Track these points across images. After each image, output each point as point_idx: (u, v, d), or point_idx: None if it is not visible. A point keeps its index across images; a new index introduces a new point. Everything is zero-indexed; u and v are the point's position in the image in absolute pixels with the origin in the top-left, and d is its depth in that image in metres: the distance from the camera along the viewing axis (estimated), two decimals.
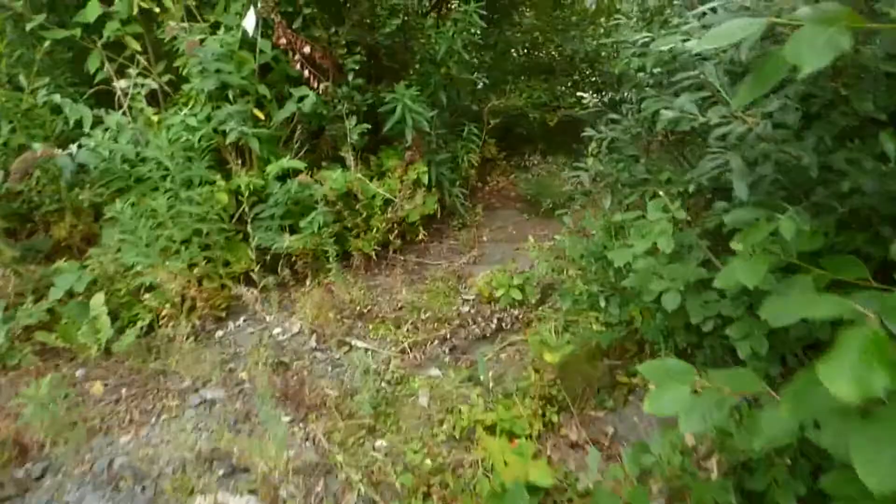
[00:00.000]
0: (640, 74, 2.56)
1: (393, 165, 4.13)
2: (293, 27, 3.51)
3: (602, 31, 7.37)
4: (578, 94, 2.83)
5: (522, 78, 6.36)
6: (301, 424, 2.43)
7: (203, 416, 2.48)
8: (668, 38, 1.69)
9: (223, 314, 3.26)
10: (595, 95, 7.31)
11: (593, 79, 7.00)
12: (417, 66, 4.49)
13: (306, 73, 3.55)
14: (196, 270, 3.10)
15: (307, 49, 3.49)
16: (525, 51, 6.61)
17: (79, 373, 2.75)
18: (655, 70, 2.44)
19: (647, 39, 2.20)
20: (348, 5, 3.80)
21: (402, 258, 4.15)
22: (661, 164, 2.73)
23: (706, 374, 1.30)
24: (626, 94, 2.71)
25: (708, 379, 1.23)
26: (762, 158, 1.34)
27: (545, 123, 6.07)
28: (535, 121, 5.97)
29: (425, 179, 4.13)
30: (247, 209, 3.34)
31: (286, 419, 2.44)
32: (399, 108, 3.91)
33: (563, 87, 6.40)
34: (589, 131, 2.90)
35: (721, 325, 1.88)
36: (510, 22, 5.99)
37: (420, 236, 4.13)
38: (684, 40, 1.60)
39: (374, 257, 3.94)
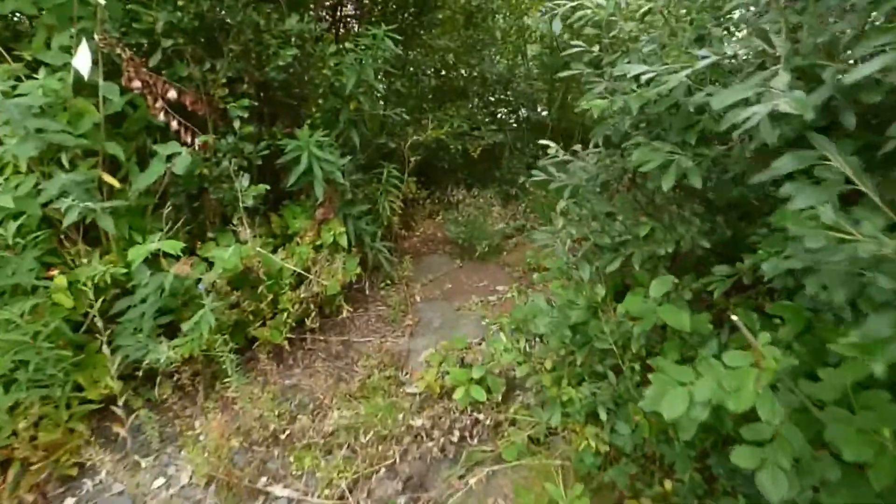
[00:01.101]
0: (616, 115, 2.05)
1: (301, 227, 3.33)
2: (150, 65, 2.63)
3: (510, 48, 7.06)
4: (542, 142, 2.25)
5: (432, 100, 5.80)
6: None
7: None
8: (737, 90, 1.12)
9: (74, 472, 2.29)
10: (512, 115, 7.00)
11: (510, 98, 6.65)
12: (321, 101, 3.73)
13: (175, 124, 2.68)
14: (23, 422, 2.13)
15: (173, 93, 2.62)
16: (436, 73, 6.05)
17: None
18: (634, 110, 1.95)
19: (651, 74, 1.64)
20: (226, 34, 2.95)
21: (321, 340, 3.36)
22: (628, 211, 2.25)
23: None
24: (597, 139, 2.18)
25: None
26: None
27: (467, 153, 5.52)
28: (457, 152, 5.41)
29: (344, 241, 3.38)
30: (95, 314, 2.39)
31: None
32: (304, 157, 3.14)
33: (479, 111, 5.92)
34: (538, 175, 2.36)
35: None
36: (419, 43, 5.38)
37: (344, 313, 3.36)
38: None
39: (287, 346, 3.13)
